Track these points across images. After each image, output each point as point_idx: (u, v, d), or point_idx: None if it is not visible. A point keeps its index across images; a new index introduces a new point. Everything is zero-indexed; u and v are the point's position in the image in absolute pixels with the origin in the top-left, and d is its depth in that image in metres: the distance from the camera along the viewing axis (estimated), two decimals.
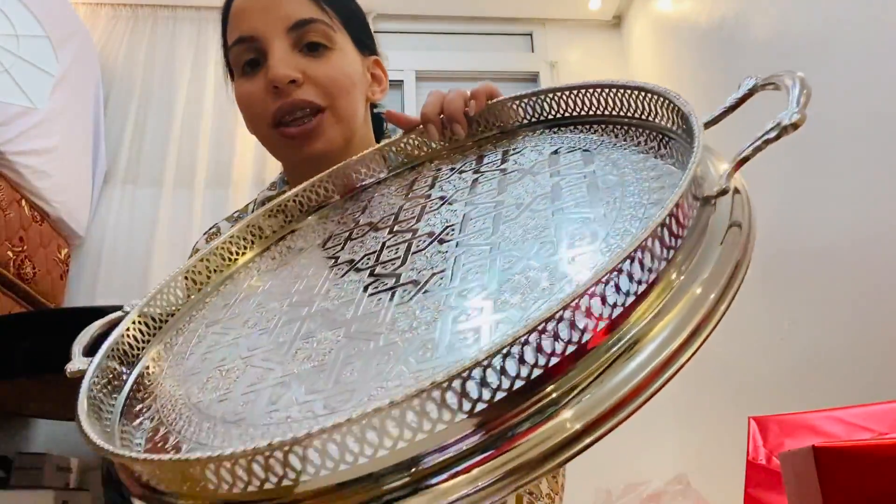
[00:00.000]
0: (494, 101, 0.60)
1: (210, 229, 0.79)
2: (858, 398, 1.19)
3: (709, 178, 0.36)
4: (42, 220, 2.04)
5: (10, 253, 1.84)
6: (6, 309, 1.82)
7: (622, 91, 0.50)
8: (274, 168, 2.51)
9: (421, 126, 0.62)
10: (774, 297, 1.77)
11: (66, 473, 1.83)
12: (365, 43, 0.74)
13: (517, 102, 0.59)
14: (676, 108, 0.43)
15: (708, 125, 0.41)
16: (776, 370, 1.75)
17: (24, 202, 1.94)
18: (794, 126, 0.32)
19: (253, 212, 0.76)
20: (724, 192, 0.34)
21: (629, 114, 0.50)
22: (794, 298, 1.69)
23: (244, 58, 0.67)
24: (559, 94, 0.57)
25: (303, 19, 0.65)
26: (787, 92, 0.35)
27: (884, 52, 1.41)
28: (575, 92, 0.55)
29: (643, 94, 0.48)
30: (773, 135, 0.33)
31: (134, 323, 0.50)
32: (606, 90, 0.52)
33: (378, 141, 0.79)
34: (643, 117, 0.49)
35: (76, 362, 0.43)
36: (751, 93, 0.41)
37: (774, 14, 1.81)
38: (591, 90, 0.54)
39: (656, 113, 0.47)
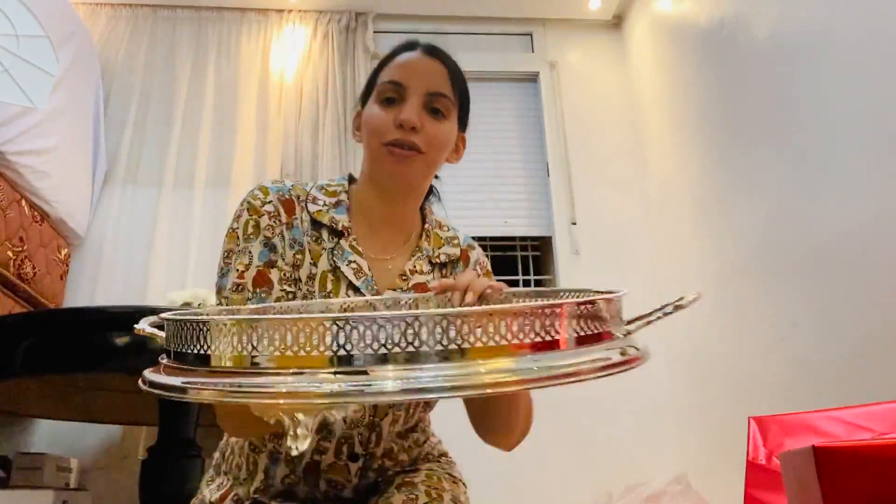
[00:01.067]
0: (502, 295, 0.77)
1: (265, 197, 0.89)
2: (858, 398, 1.19)
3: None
4: (42, 220, 2.04)
5: (10, 253, 1.84)
6: (6, 309, 1.82)
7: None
8: (273, 169, 2.53)
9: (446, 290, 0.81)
10: (775, 298, 1.77)
11: (66, 473, 1.83)
12: (464, 122, 0.99)
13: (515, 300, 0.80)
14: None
15: (631, 322, 0.54)
16: (776, 370, 1.75)
17: (24, 202, 1.94)
18: (682, 308, 0.49)
19: (311, 194, 0.92)
20: (629, 332, 0.49)
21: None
22: (795, 299, 1.69)
23: (388, 94, 0.90)
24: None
25: (439, 92, 0.91)
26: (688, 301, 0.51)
27: (883, 52, 1.41)
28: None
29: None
30: (670, 310, 0.49)
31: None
32: None
33: (425, 199, 1.01)
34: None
35: (144, 325, 0.53)
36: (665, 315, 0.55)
37: (774, 14, 1.81)
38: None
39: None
